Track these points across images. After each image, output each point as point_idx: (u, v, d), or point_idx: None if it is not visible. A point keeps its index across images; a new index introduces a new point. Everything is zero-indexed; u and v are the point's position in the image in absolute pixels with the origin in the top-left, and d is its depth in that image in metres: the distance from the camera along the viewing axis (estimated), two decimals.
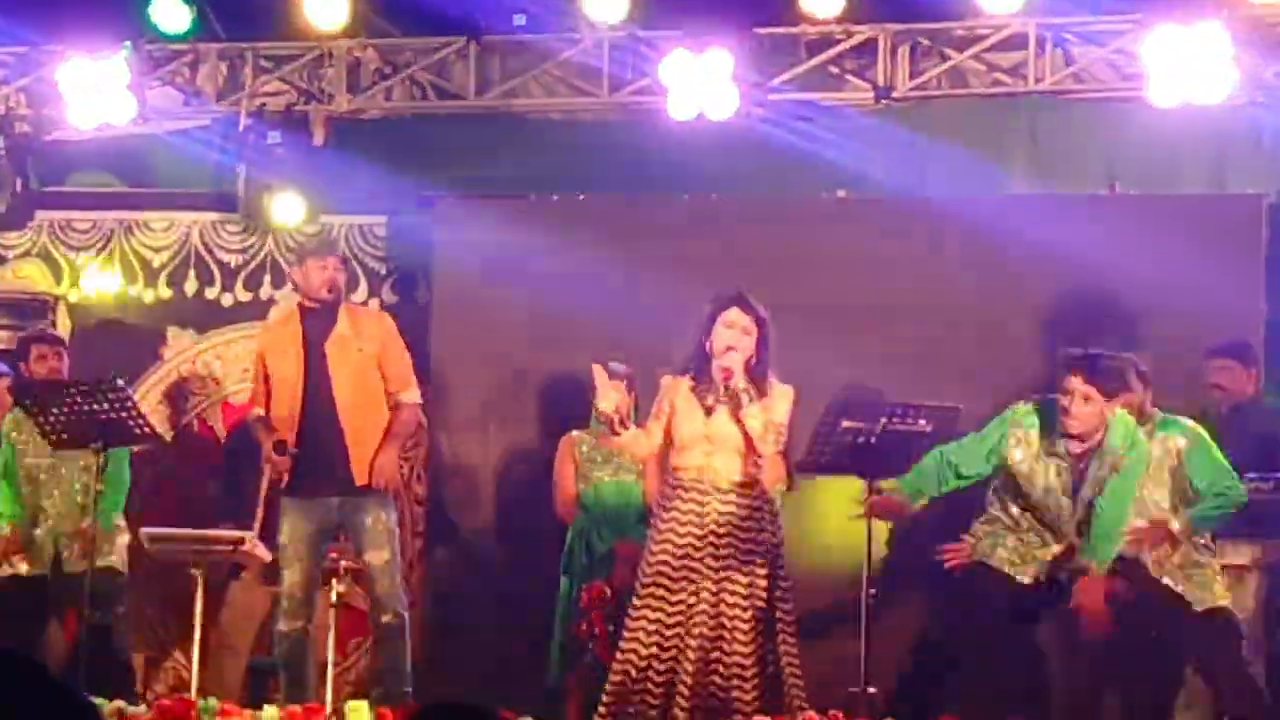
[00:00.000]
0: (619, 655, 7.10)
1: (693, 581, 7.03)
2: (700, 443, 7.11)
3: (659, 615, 7.03)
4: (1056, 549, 7.41)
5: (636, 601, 7.09)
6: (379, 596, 8.02)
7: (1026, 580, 7.45)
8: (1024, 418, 7.44)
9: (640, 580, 7.12)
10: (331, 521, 8.03)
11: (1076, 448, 7.35)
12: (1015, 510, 7.49)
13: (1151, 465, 7.50)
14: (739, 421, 7.06)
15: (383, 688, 8.03)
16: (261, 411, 8.17)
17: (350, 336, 8.04)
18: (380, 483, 7.95)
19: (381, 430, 8.01)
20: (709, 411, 7.10)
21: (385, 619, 8.02)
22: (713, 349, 7.10)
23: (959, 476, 7.52)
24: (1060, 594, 7.42)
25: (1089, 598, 7.28)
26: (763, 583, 7.05)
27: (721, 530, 7.05)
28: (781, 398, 7.14)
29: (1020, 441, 7.42)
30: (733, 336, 7.08)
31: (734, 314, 7.11)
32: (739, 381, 7.04)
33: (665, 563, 7.07)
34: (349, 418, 7.95)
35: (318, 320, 8.10)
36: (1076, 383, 7.27)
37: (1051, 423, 7.37)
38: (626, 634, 7.09)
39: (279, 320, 8.40)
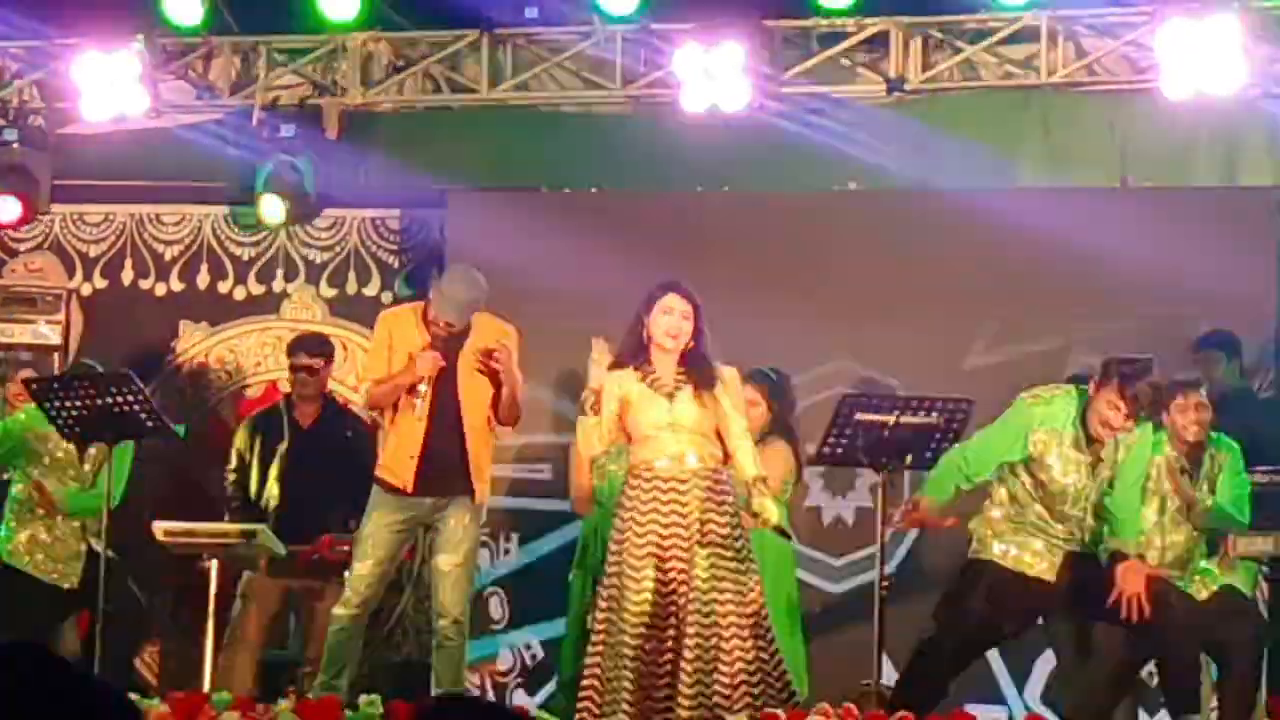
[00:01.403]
0: (611, 662, 6.82)
1: (684, 584, 6.83)
2: (665, 430, 6.96)
3: (655, 611, 6.81)
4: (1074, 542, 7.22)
5: (631, 607, 6.78)
6: (438, 601, 7.79)
7: (1047, 576, 7.21)
8: (1041, 417, 7.20)
9: (624, 584, 6.83)
10: (420, 520, 7.86)
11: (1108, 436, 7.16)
12: (1032, 505, 7.25)
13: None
14: (703, 404, 6.93)
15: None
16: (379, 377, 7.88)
17: (483, 347, 7.81)
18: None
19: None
20: (670, 397, 6.98)
21: (440, 624, 7.77)
22: (652, 335, 7.00)
23: (969, 481, 7.27)
24: (1080, 591, 7.24)
25: (1131, 581, 7.05)
26: (744, 578, 6.88)
27: (705, 520, 6.86)
28: (732, 381, 7.05)
29: (1045, 442, 7.20)
30: (672, 322, 6.98)
31: (672, 299, 7.01)
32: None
33: (651, 555, 6.83)
34: (472, 429, 7.75)
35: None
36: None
37: (1080, 414, 7.18)
38: (628, 638, 6.81)
39: (411, 307, 8.16)
